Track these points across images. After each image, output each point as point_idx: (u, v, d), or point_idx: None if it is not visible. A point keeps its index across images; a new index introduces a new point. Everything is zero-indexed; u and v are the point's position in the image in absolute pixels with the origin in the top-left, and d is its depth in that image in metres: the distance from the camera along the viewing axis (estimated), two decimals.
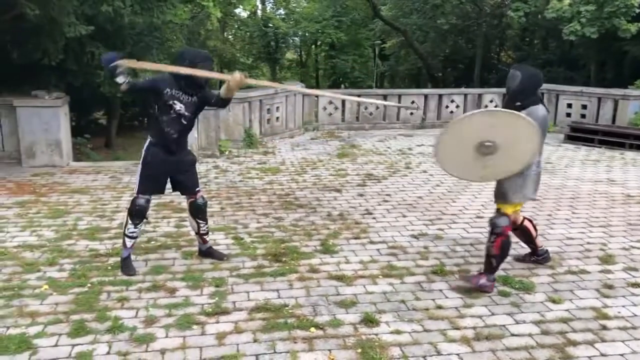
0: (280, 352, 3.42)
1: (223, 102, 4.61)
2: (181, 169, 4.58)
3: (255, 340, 3.54)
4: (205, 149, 9.09)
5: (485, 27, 25.38)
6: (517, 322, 3.84)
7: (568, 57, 21.36)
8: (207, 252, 4.87)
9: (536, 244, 4.87)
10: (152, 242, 5.21)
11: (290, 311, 3.92)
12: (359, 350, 3.44)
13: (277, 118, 11.09)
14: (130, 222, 4.46)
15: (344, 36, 31.50)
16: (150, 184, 4.47)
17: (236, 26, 33.18)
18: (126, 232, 4.50)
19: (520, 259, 4.95)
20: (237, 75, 4.29)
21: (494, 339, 3.62)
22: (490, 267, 4.38)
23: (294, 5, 31.40)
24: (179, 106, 4.34)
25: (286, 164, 8.88)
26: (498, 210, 4.47)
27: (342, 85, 32.87)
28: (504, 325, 3.79)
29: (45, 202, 6.52)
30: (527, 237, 4.83)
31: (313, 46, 35.94)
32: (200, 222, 4.73)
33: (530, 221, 4.87)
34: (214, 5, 16.02)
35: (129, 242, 4.53)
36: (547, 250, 4.96)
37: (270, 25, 31.32)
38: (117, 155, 13.64)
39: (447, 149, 4.39)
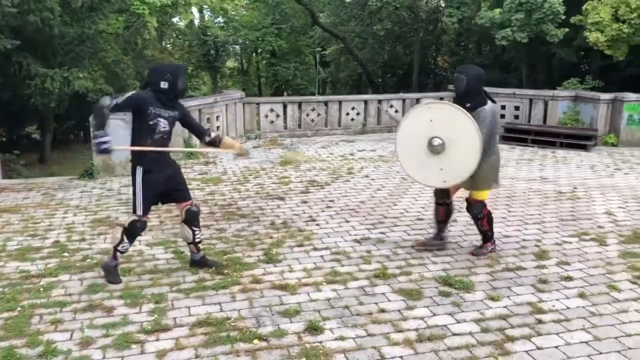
0: None
1: (209, 144, 4.85)
2: (176, 178, 4.63)
3: (197, 356, 3.46)
4: None
5: (422, 33, 26.00)
6: (458, 322, 3.92)
7: (501, 61, 22.16)
8: (201, 261, 4.80)
9: (446, 225, 5.40)
10: (88, 260, 5.02)
11: (232, 324, 3.85)
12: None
13: (218, 127, 10.94)
14: (126, 240, 4.50)
15: (285, 44, 31.54)
16: (151, 203, 4.50)
17: (174, 35, 32.59)
18: (119, 247, 4.51)
19: (420, 244, 5.36)
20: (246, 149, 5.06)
21: (436, 339, 3.67)
22: (487, 236, 5.19)
23: (232, 13, 31.12)
24: (162, 123, 4.39)
25: (228, 173, 8.77)
26: (467, 200, 5.13)
27: (285, 93, 32.88)
28: (445, 325, 3.86)
29: None
30: (446, 215, 5.31)
31: (254, 54, 35.77)
32: (196, 229, 4.71)
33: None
34: (150, 14, 15.62)
35: (119, 255, 4.58)
36: (445, 238, 5.42)
37: (209, 34, 30.96)
38: (52, 171, 13.12)
39: (406, 152, 4.89)
